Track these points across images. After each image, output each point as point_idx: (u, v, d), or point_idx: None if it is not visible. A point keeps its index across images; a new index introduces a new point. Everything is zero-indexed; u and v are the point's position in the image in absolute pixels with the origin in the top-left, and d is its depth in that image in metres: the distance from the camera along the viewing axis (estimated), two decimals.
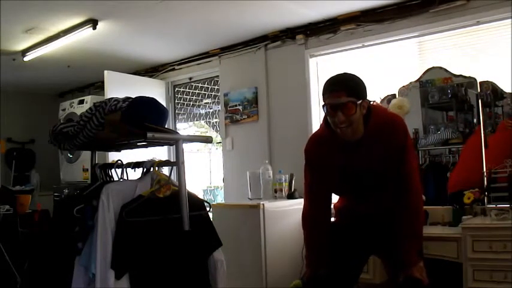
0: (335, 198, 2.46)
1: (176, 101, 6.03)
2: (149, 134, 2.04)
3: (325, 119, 2.19)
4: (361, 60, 4.25)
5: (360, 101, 2.05)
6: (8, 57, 5.06)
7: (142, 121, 2.10)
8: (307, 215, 2.34)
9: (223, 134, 5.21)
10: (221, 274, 2.31)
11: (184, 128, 6.25)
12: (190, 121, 6.16)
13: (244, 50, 4.97)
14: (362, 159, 2.16)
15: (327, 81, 2.11)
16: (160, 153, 4.64)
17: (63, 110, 6.16)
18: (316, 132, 2.36)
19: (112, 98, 2.26)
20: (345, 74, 2.14)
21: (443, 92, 3.80)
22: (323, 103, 2.10)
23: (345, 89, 2.03)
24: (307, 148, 2.30)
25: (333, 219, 2.51)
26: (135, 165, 2.28)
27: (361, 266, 2.44)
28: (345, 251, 2.31)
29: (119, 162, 2.35)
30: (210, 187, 6.60)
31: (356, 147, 2.15)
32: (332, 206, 2.47)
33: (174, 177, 2.28)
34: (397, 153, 2.18)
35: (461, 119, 3.77)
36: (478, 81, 3.58)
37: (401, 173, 2.19)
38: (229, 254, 2.56)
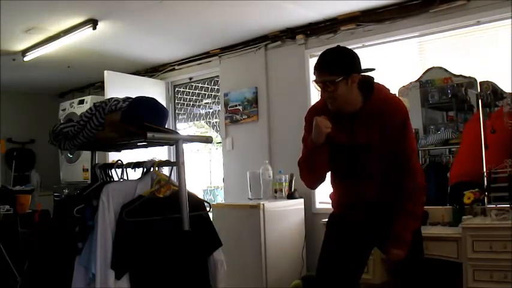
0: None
1: (176, 101, 6.03)
2: (149, 134, 2.04)
3: None
4: (361, 60, 4.24)
5: (341, 78, 2.11)
6: (8, 57, 5.06)
7: (143, 121, 2.09)
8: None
9: (223, 134, 5.21)
10: (221, 274, 2.31)
11: (184, 128, 6.24)
12: (190, 121, 6.16)
13: (244, 50, 4.97)
14: (357, 132, 2.20)
15: (317, 59, 2.19)
16: (160, 153, 4.65)
17: (63, 110, 6.17)
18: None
19: (112, 98, 2.26)
20: (332, 51, 2.20)
21: (443, 92, 3.81)
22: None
23: (327, 68, 2.13)
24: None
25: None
26: (135, 165, 2.28)
27: (363, 262, 2.43)
28: (347, 249, 2.31)
29: (119, 162, 2.34)
30: (210, 187, 6.58)
31: (352, 119, 2.21)
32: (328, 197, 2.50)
33: (174, 177, 2.28)
34: (395, 132, 2.20)
35: (461, 119, 3.77)
36: (478, 81, 3.58)
37: (399, 154, 2.22)
38: (229, 254, 2.56)
